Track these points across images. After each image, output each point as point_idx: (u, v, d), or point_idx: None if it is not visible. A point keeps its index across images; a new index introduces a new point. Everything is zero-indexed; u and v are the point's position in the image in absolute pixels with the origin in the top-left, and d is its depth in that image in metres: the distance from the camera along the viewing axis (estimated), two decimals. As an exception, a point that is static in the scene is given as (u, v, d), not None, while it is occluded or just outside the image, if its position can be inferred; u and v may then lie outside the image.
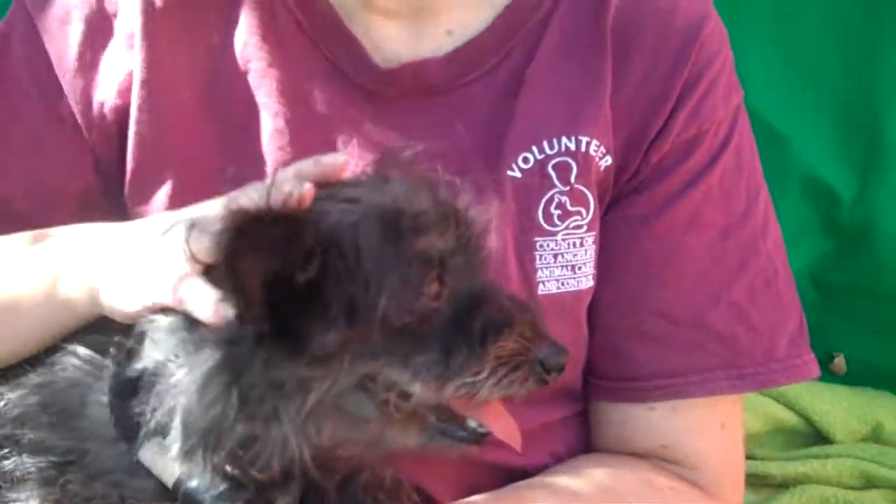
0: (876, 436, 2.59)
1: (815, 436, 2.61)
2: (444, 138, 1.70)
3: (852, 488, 2.45)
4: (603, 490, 1.70)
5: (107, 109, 1.74)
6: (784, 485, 2.45)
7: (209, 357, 1.35)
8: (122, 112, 1.73)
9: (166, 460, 1.41)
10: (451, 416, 1.39)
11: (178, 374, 1.37)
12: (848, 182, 2.53)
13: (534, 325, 1.38)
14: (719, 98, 1.74)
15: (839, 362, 2.63)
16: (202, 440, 1.35)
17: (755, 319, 1.74)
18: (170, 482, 1.41)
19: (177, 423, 1.37)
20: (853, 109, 2.53)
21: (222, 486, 1.39)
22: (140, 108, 1.72)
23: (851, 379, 2.63)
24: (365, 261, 1.33)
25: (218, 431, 1.34)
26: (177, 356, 1.39)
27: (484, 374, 1.34)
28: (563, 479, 1.70)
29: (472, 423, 1.41)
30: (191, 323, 1.38)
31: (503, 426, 1.41)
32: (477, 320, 1.36)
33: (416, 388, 1.35)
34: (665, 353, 1.72)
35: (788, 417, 2.60)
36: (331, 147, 1.69)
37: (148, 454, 1.42)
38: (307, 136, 1.70)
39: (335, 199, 1.39)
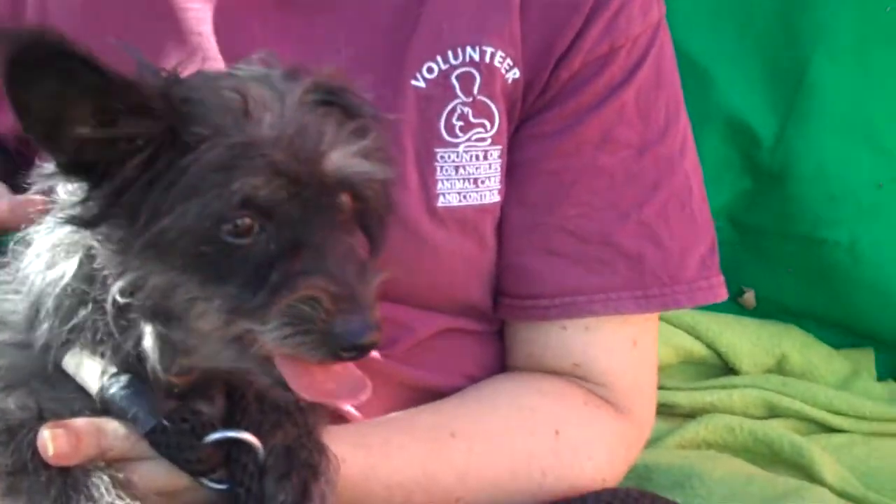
0: (780, 367, 2.62)
1: (723, 367, 2.64)
2: (350, 41, 1.67)
3: (757, 417, 2.48)
4: (518, 407, 1.69)
5: None
6: (692, 414, 2.46)
7: (56, 236, 1.36)
8: None
9: (89, 367, 1.37)
10: (267, 357, 1.32)
11: (36, 262, 1.38)
12: (769, 123, 2.53)
13: (350, 298, 1.25)
14: (636, 12, 1.72)
15: (749, 297, 2.66)
16: (79, 331, 1.34)
17: (666, 239, 1.74)
18: (93, 390, 1.37)
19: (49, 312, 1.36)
20: (779, 51, 2.52)
21: (144, 393, 1.36)
22: None
23: (759, 313, 2.66)
24: (187, 163, 1.25)
25: (85, 320, 1.34)
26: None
27: (269, 326, 1.26)
28: (489, 403, 1.70)
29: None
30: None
31: (303, 382, 1.31)
32: (280, 272, 1.26)
33: (206, 316, 1.29)
34: (571, 270, 1.71)
35: (697, 349, 2.61)
36: (244, 34, 1.64)
37: (71, 362, 1.38)
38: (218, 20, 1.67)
39: (212, 82, 1.32)
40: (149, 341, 1.33)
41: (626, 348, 1.75)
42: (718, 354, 2.63)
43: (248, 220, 1.25)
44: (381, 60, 1.67)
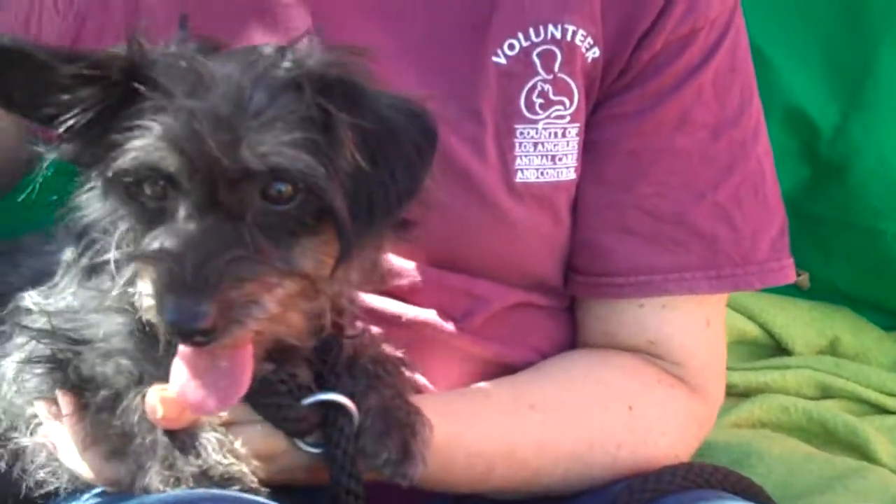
0: (833, 349, 2.65)
1: (776, 348, 2.67)
2: (429, 18, 1.70)
3: (810, 398, 2.51)
4: (593, 382, 1.73)
5: None
6: (746, 394, 2.50)
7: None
8: None
9: None
10: None
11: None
12: (829, 114, 2.52)
13: (182, 279, 1.25)
14: None
15: (804, 279, 2.68)
16: None
17: (739, 221, 1.77)
18: None
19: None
20: (843, 42, 2.51)
21: None
22: None
23: (812, 295, 2.68)
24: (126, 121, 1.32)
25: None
26: None
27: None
28: (565, 378, 1.74)
29: None
30: None
31: (176, 372, 1.35)
32: (151, 240, 1.32)
33: None
34: (646, 249, 1.75)
35: (750, 329, 2.64)
36: (326, 5, 1.67)
37: None
38: None
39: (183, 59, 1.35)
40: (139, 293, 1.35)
41: (701, 327, 1.79)
42: (771, 335, 2.66)
43: (160, 185, 1.31)
44: (460, 36, 1.70)
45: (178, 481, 1.37)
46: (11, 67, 1.34)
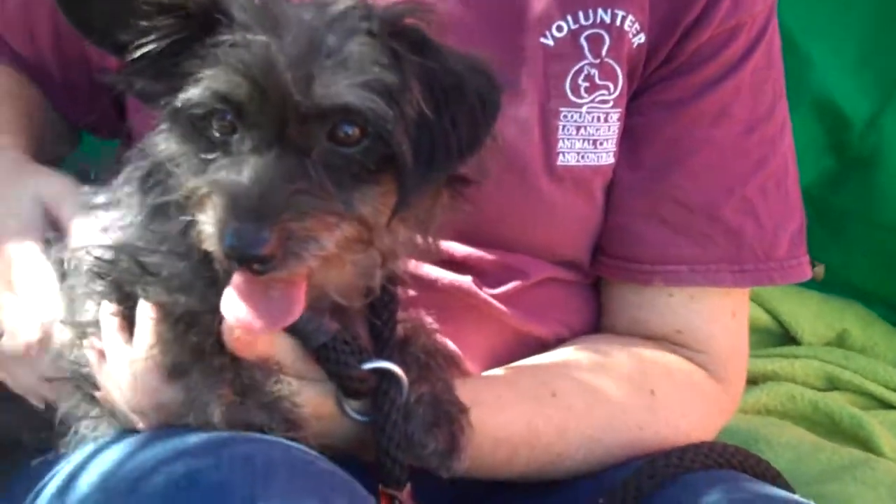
0: (841, 341, 2.70)
1: (784, 336, 2.72)
2: None
3: (817, 388, 2.56)
4: (616, 367, 1.76)
5: None
6: (754, 381, 2.55)
7: None
8: None
9: None
10: None
11: None
12: (861, 108, 2.56)
13: (244, 207, 1.28)
14: None
15: (819, 270, 2.72)
16: None
17: (763, 216, 1.80)
18: None
19: None
20: (879, 36, 2.54)
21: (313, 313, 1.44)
22: None
23: (825, 286, 2.72)
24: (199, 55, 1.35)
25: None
26: None
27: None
28: (588, 363, 1.76)
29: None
30: None
31: (228, 297, 1.36)
32: (217, 168, 1.35)
33: None
34: (675, 238, 1.77)
35: (760, 316, 2.69)
36: None
37: None
38: None
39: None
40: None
41: (727, 319, 1.82)
42: (780, 324, 2.71)
43: (228, 119, 1.33)
44: (509, 16, 1.71)
45: (240, 407, 1.39)
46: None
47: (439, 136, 1.34)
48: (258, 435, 1.39)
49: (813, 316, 2.70)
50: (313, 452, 1.40)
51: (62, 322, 1.62)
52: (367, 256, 1.43)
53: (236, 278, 1.36)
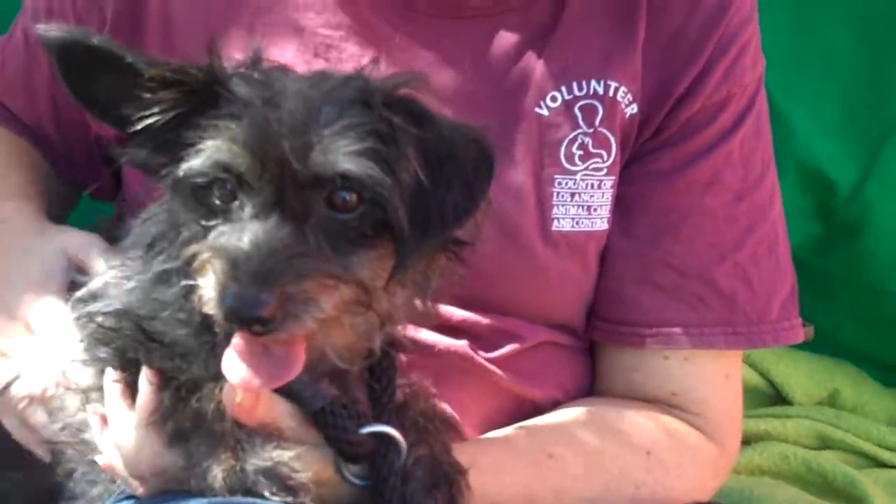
0: (832, 400, 2.72)
1: (775, 397, 2.74)
2: (475, 64, 1.75)
3: (809, 448, 2.58)
4: (612, 429, 1.78)
5: None
6: (746, 441, 2.55)
7: None
8: None
9: None
10: None
11: None
12: (847, 174, 2.60)
13: (242, 271, 1.32)
14: (748, 63, 1.82)
15: (808, 330, 2.73)
16: None
17: (756, 281, 1.84)
18: None
19: None
20: (863, 103, 2.58)
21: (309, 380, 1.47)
22: None
23: (815, 346, 2.74)
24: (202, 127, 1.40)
25: None
26: None
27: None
28: (584, 425, 1.78)
29: None
30: None
31: (228, 358, 1.40)
32: (215, 236, 1.40)
33: None
34: (670, 303, 1.81)
35: (751, 376, 2.71)
36: (375, 40, 1.73)
37: None
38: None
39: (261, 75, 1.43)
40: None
41: (721, 381, 1.85)
42: (772, 384, 2.73)
43: (229, 188, 1.38)
44: (504, 84, 1.76)
45: (241, 472, 1.41)
46: (98, 67, 1.42)
47: (435, 202, 1.39)
48: (258, 501, 1.40)
49: (804, 376, 2.72)
50: None
51: (67, 389, 1.65)
52: (365, 319, 1.46)
53: (236, 339, 1.39)
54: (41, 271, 1.76)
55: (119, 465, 1.55)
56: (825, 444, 2.61)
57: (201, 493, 1.42)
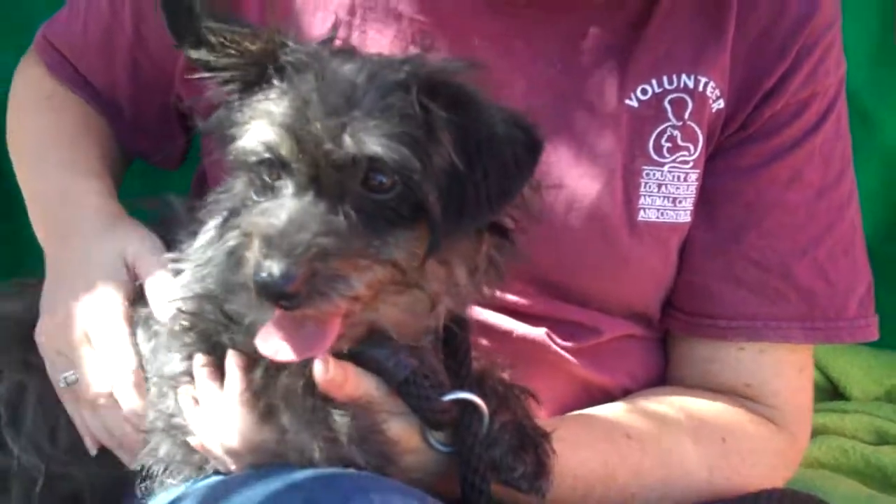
0: (890, 396, 2.74)
1: (832, 392, 2.76)
2: (568, 54, 1.79)
3: (867, 443, 2.59)
4: (687, 415, 1.83)
5: None
6: (805, 435, 2.58)
7: None
8: None
9: None
10: None
11: None
12: None
13: (275, 245, 1.38)
14: (832, 64, 1.86)
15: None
16: None
17: (834, 278, 1.88)
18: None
19: None
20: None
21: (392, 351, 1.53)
22: None
23: (875, 342, 2.75)
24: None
25: None
26: None
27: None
28: (659, 409, 1.83)
29: None
30: None
31: (263, 331, 1.46)
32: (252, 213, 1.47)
33: None
34: (750, 296, 1.85)
35: (810, 372, 2.72)
36: (458, 50, 1.77)
37: None
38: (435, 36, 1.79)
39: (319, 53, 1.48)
40: None
41: (795, 374, 1.89)
42: (829, 379, 2.76)
43: (274, 167, 1.44)
44: (595, 76, 1.80)
45: (336, 444, 1.47)
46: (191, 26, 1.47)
47: (470, 187, 1.42)
48: (357, 472, 1.45)
49: (862, 373, 2.73)
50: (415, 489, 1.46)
51: (147, 378, 1.71)
52: (414, 298, 1.51)
53: (275, 314, 1.45)
54: (103, 277, 1.81)
55: (212, 445, 1.60)
56: (883, 439, 2.62)
57: (300, 466, 1.47)
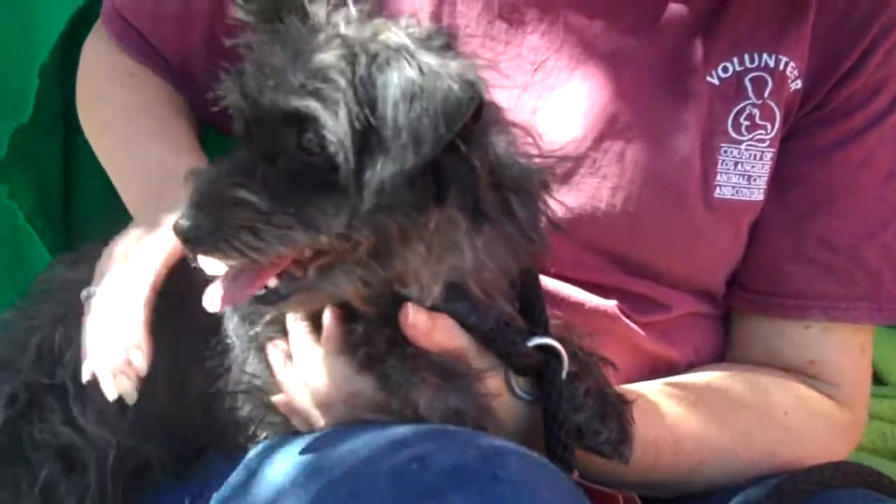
0: (928, 383, 2.78)
1: (873, 377, 2.77)
2: (649, 32, 1.83)
3: (905, 427, 2.65)
4: (751, 388, 1.88)
5: None
6: (843, 417, 2.62)
7: None
8: None
9: None
10: None
11: None
12: None
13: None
14: None
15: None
16: None
17: None
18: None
19: None
20: None
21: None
22: None
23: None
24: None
25: None
26: None
27: None
28: (725, 381, 1.87)
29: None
30: None
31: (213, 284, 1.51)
32: None
33: None
34: (821, 276, 1.90)
35: (849, 357, 2.76)
36: (547, 23, 1.80)
37: None
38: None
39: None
40: None
41: (857, 353, 1.94)
42: (869, 364, 2.80)
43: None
44: (677, 52, 1.84)
45: (442, 392, 1.51)
46: None
47: (377, 142, 1.38)
48: (458, 428, 1.49)
49: (900, 357, 2.79)
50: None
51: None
52: (368, 271, 1.49)
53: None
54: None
55: (302, 399, 1.62)
56: (921, 425, 2.67)
57: (402, 418, 1.50)
